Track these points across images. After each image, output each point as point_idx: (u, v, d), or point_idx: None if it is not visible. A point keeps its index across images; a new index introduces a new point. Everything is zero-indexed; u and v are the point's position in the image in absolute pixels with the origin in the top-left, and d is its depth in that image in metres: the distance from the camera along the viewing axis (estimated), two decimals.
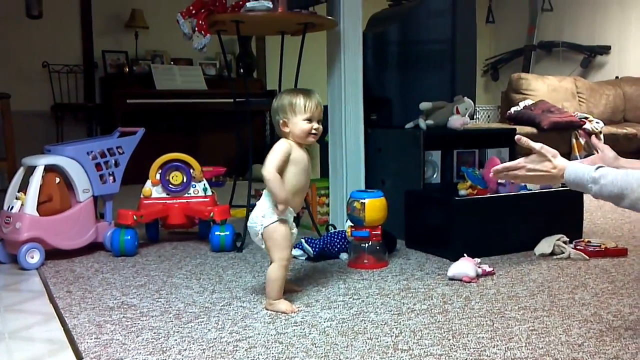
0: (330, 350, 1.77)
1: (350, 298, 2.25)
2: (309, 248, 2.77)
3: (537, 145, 1.86)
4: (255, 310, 2.13)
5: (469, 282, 2.41)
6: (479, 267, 2.50)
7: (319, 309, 2.13)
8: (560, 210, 3.04)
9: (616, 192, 1.64)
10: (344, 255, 2.81)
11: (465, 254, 2.57)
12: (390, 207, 2.76)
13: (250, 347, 1.80)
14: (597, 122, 5.01)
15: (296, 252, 2.83)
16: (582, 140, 4.84)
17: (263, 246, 2.19)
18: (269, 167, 2.11)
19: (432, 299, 2.24)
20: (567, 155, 4.84)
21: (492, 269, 2.53)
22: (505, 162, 3.29)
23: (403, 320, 2.01)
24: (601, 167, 1.70)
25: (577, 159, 4.83)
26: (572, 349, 1.77)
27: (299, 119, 2.14)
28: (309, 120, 2.14)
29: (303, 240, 2.81)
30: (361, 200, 2.69)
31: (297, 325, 1.97)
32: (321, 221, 3.38)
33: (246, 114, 3.24)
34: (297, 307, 2.12)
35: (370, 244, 2.69)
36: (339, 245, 2.83)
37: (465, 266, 2.46)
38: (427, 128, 3.24)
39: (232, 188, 3.51)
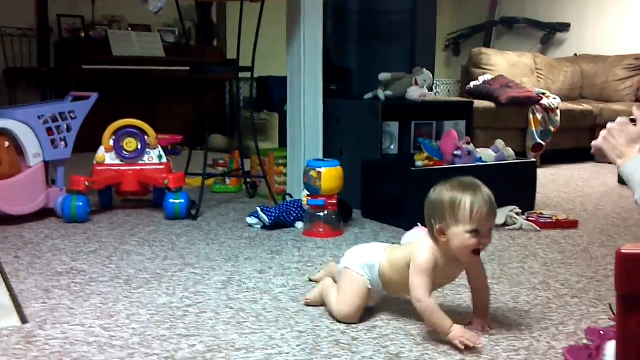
0: (281, 315, 1.77)
1: (303, 265, 2.25)
2: (265, 216, 2.75)
3: None
4: (207, 276, 2.11)
5: None
6: None
7: (272, 276, 2.13)
8: (514, 182, 3.08)
9: None
10: (299, 224, 2.80)
11: (418, 223, 2.59)
12: (347, 176, 2.76)
13: (200, 312, 1.78)
14: (554, 98, 5.07)
15: (251, 220, 2.82)
16: (538, 115, 4.89)
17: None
18: (421, 295, 1.57)
19: None
20: (524, 129, 4.90)
21: None
22: (462, 134, 3.33)
23: None
24: None
25: (533, 133, 4.90)
26: (519, 315, 1.80)
27: (460, 229, 1.53)
28: (476, 232, 1.53)
29: (259, 209, 2.79)
30: (317, 169, 2.68)
31: (248, 291, 1.97)
32: (278, 190, 3.37)
33: (203, 82, 3.19)
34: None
35: (325, 212, 2.69)
36: (294, 214, 2.82)
37: (418, 235, 2.46)
38: (386, 99, 3.24)
39: (188, 157, 3.46)
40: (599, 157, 1.62)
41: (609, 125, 1.52)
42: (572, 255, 2.44)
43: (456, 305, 1.88)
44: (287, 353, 1.53)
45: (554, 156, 5.13)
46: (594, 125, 5.31)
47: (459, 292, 1.96)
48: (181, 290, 1.97)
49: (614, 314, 1.62)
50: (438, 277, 1.63)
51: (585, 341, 1.57)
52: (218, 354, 1.52)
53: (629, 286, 0.90)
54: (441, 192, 1.58)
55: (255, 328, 1.68)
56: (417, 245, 1.65)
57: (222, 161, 3.96)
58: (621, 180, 4.04)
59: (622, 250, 0.91)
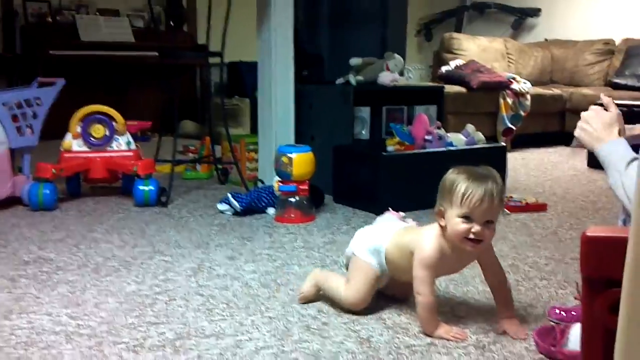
0: (252, 301, 1.77)
1: (275, 251, 2.25)
2: (236, 203, 2.73)
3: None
4: (177, 264, 2.09)
5: None
6: (403, 220, 2.52)
7: (243, 262, 2.12)
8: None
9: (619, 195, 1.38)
10: (271, 210, 2.79)
11: (390, 208, 2.59)
12: (319, 162, 2.75)
13: (170, 300, 1.77)
14: (524, 83, 5.10)
15: (222, 206, 2.79)
16: (509, 100, 4.93)
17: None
18: (423, 290, 1.55)
19: None
20: (495, 114, 4.93)
21: (415, 222, 2.55)
22: (433, 119, 3.34)
23: None
24: (636, 159, 1.39)
25: (504, 118, 4.93)
26: (489, 297, 1.80)
27: (453, 213, 1.50)
28: (467, 218, 1.50)
29: (230, 195, 2.77)
30: (289, 155, 2.67)
31: (219, 278, 1.95)
32: (250, 177, 3.35)
33: (173, 68, 3.15)
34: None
35: (297, 198, 2.68)
36: (266, 200, 2.81)
37: (390, 220, 2.47)
38: (357, 84, 3.23)
39: (158, 143, 3.42)
40: (579, 144, 1.62)
41: (583, 114, 1.54)
42: (541, 238, 2.47)
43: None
44: (258, 339, 1.52)
45: (525, 140, 5.17)
46: (563, 109, 5.37)
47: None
48: (151, 278, 1.94)
49: (580, 293, 1.64)
50: (445, 266, 1.59)
51: (552, 322, 1.59)
52: (188, 341, 1.51)
53: (594, 269, 0.90)
54: (447, 175, 1.55)
55: (226, 315, 1.67)
56: (424, 233, 1.60)
57: (192, 148, 3.92)
58: (591, 164, 4.10)
59: (588, 233, 0.91)
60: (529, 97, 5.07)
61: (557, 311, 1.59)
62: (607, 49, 5.90)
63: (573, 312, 1.54)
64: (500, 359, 1.45)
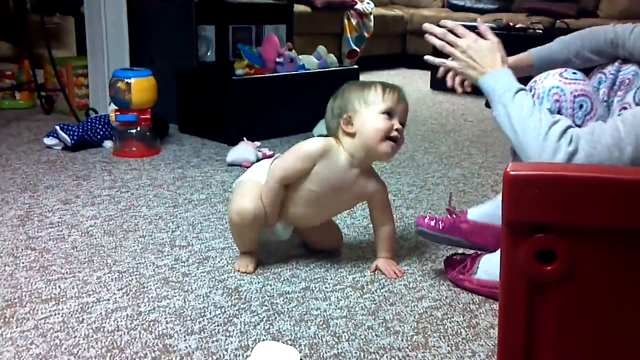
0: (96, 253, 1.52)
1: (117, 191, 1.98)
2: (66, 136, 2.39)
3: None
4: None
5: (249, 166, 2.25)
6: (259, 151, 2.35)
7: (80, 206, 1.84)
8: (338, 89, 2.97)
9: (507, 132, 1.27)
10: (108, 143, 2.49)
11: (244, 138, 2.41)
12: (160, 88, 2.48)
13: None
14: (368, 3, 5.02)
15: (50, 141, 2.44)
16: (353, 21, 4.83)
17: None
18: (277, 178, 1.41)
19: (211, 187, 2.05)
20: (340, 35, 4.82)
21: (272, 152, 2.39)
22: (283, 40, 3.14)
23: (180, 213, 1.81)
24: (521, 90, 1.26)
25: (349, 40, 4.84)
26: (358, 232, 1.72)
27: (372, 111, 1.38)
28: (389, 114, 1.38)
29: (58, 127, 2.43)
30: (126, 80, 2.37)
31: (53, 227, 1.67)
32: (80, 105, 2.98)
33: None
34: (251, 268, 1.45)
35: (138, 129, 2.40)
36: (101, 132, 2.50)
37: (244, 150, 2.30)
38: None
39: None
40: (445, 78, 1.52)
41: (458, 42, 1.37)
42: (400, 163, 2.41)
43: None
44: (107, 300, 1.30)
45: (368, 62, 5.13)
46: (404, 31, 5.38)
47: None
48: None
49: (451, 205, 1.57)
50: (328, 194, 1.42)
51: (422, 231, 1.52)
52: (21, 309, 1.25)
53: (519, 213, 0.78)
54: (348, 91, 1.43)
55: (65, 272, 1.42)
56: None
57: (9, 72, 3.43)
58: (434, 86, 4.14)
59: (511, 172, 0.78)
60: (372, 17, 5.01)
61: (427, 220, 1.53)
62: None
63: (441, 222, 1.50)
64: (380, 300, 1.35)
